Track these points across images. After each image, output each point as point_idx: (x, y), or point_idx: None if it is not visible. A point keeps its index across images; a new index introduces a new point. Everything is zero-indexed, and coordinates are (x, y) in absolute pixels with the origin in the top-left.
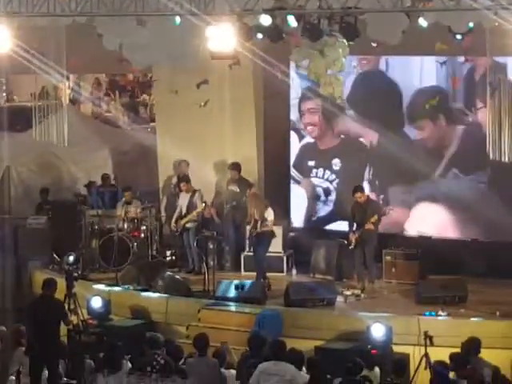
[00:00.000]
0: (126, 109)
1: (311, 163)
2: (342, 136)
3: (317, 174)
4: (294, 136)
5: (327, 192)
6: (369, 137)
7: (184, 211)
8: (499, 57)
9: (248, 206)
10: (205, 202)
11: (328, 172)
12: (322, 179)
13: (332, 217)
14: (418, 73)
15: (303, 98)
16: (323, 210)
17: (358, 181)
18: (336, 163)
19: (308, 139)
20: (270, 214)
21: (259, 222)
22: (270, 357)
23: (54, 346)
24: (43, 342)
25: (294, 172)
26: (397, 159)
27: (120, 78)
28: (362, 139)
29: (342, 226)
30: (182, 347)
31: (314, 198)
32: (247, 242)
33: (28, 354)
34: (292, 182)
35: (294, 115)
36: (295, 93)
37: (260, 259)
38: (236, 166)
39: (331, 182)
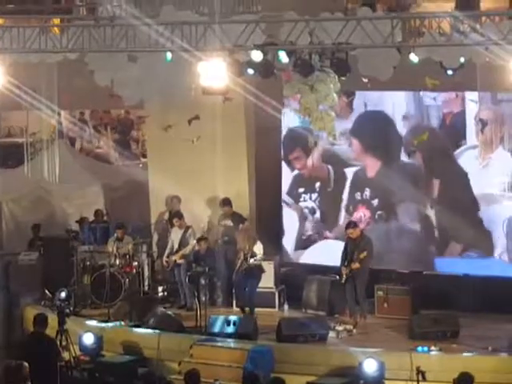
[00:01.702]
0: (118, 145)
1: (300, 190)
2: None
3: (304, 198)
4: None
5: (312, 211)
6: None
7: (176, 247)
8: (490, 92)
9: (238, 241)
10: (202, 238)
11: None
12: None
13: (319, 231)
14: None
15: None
16: (311, 228)
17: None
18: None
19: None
20: (259, 249)
21: (248, 257)
22: None
23: (49, 382)
24: (37, 380)
25: (287, 198)
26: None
27: (111, 114)
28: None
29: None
30: (173, 383)
31: (303, 219)
32: (234, 276)
33: None
34: (285, 206)
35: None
36: (287, 128)
37: (250, 294)
38: (228, 202)
39: (314, 201)
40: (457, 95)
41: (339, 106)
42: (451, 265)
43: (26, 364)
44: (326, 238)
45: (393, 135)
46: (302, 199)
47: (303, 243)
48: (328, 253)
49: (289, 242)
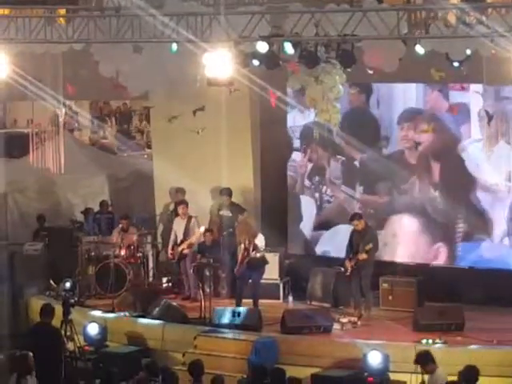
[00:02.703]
0: (123, 135)
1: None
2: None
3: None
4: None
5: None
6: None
7: (180, 237)
8: (496, 84)
9: (237, 233)
10: (207, 230)
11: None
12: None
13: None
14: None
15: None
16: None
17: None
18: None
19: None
20: (260, 241)
21: (250, 249)
22: None
23: (53, 373)
24: (41, 370)
25: (307, 183)
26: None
27: (116, 105)
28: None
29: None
30: (177, 374)
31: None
32: (236, 268)
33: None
34: (303, 194)
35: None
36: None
37: (254, 286)
38: (228, 191)
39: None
40: (462, 87)
41: (356, 100)
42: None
43: (31, 354)
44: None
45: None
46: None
47: (321, 226)
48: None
49: (306, 225)
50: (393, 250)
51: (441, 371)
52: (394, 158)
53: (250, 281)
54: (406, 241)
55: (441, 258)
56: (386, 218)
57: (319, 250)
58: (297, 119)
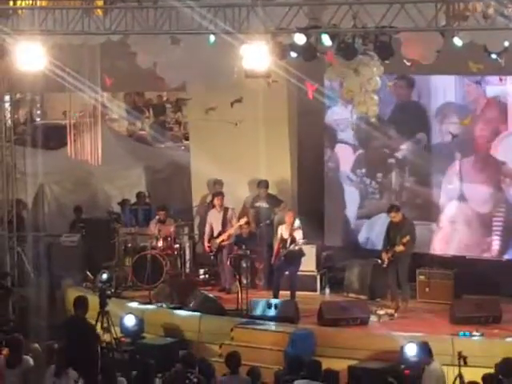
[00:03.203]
0: (160, 127)
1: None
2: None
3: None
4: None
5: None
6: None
7: (218, 229)
8: None
9: (275, 225)
10: (247, 221)
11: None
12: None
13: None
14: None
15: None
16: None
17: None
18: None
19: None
20: (299, 234)
21: (289, 241)
22: (305, 376)
23: (88, 365)
24: (77, 362)
25: (351, 175)
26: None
27: (154, 96)
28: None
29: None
30: (214, 366)
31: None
32: (273, 260)
33: (58, 376)
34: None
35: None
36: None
37: (292, 279)
38: (265, 183)
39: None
40: (501, 79)
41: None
42: None
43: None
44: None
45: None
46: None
47: (364, 216)
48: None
49: (350, 214)
50: (440, 242)
51: (436, 364)
52: (435, 150)
53: (287, 273)
54: (455, 232)
55: (492, 250)
56: (432, 210)
57: (362, 237)
58: (341, 112)
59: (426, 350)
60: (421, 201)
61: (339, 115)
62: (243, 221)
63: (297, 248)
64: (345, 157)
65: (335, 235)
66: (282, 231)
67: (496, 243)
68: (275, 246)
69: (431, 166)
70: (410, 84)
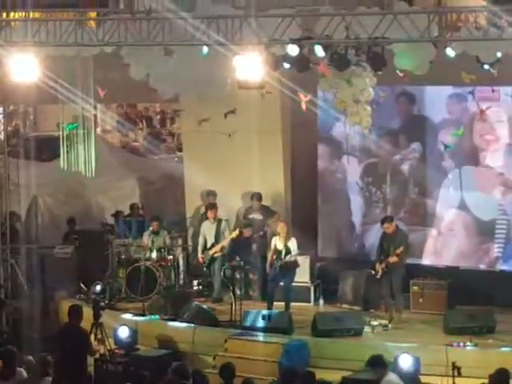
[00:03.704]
0: (153, 138)
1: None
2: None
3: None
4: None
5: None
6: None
7: (211, 241)
8: None
9: (269, 234)
10: (240, 231)
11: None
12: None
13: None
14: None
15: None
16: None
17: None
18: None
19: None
20: (293, 244)
21: (283, 252)
22: None
23: (81, 375)
24: (70, 372)
25: (360, 182)
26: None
27: (147, 108)
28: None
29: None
30: (208, 377)
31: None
32: (268, 270)
33: None
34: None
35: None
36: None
37: (287, 290)
38: (258, 196)
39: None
40: (493, 90)
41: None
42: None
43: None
44: None
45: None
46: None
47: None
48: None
49: (355, 221)
50: (438, 252)
51: (392, 377)
52: (431, 160)
53: (282, 284)
54: (453, 241)
55: (492, 259)
56: (432, 219)
57: (368, 243)
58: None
59: (380, 362)
60: (422, 210)
61: (346, 128)
62: (235, 233)
63: (292, 259)
64: (352, 167)
65: (329, 246)
66: (276, 242)
67: (497, 251)
68: (269, 257)
69: (429, 176)
70: (412, 99)
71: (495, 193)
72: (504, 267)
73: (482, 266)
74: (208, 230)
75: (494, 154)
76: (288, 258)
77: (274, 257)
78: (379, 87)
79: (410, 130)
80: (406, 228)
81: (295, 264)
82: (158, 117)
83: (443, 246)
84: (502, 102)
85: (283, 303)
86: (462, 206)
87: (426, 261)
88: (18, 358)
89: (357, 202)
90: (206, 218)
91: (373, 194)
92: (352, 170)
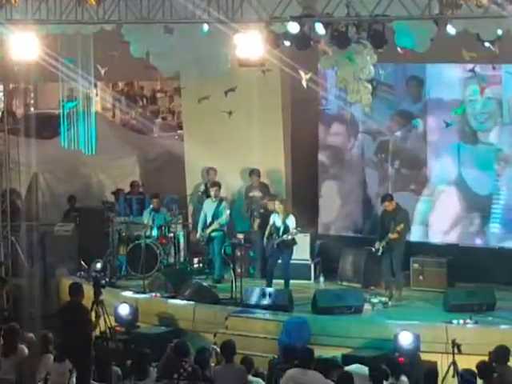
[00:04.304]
0: (154, 116)
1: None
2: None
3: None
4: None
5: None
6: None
7: (209, 220)
8: None
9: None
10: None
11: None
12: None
13: None
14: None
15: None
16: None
17: None
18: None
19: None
20: (292, 222)
21: (281, 230)
22: (299, 364)
23: (84, 353)
24: (73, 349)
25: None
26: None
27: (148, 85)
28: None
29: None
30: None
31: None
32: (265, 244)
33: (58, 362)
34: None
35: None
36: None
37: (285, 267)
38: (257, 172)
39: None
40: (494, 68)
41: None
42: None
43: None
44: None
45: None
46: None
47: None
48: None
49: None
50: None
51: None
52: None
53: (280, 261)
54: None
55: (490, 236)
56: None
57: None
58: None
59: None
60: (416, 186)
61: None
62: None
63: (290, 237)
64: (366, 144)
65: (330, 224)
66: (275, 219)
67: (493, 227)
68: (266, 232)
69: (428, 152)
70: (421, 83)
71: (493, 169)
72: (503, 244)
73: (479, 242)
74: (208, 208)
75: (492, 131)
76: (286, 236)
77: (273, 233)
78: (380, 65)
79: (416, 109)
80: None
81: (293, 242)
82: (159, 95)
83: (440, 220)
84: (503, 79)
85: (283, 281)
86: (460, 182)
87: (428, 234)
88: (20, 335)
89: (371, 175)
90: (208, 196)
91: (386, 170)
92: (366, 146)
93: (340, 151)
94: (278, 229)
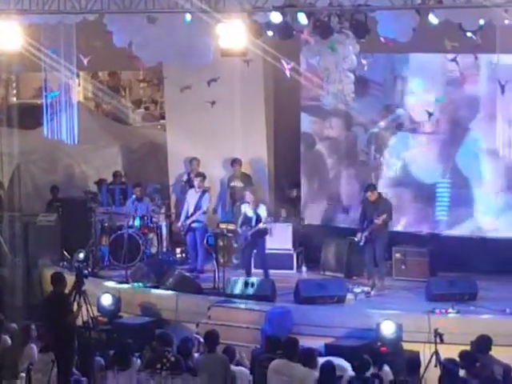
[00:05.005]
0: (136, 106)
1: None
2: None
3: None
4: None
5: None
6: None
7: (191, 210)
8: (509, 54)
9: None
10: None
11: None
12: None
13: None
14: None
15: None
16: None
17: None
18: None
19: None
20: (263, 211)
21: (253, 220)
22: (282, 355)
23: (66, 342)
24: (55, 339)
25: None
26: None
27: (130, 75)
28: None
29: None
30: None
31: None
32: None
33: (44, 353)
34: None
35: None
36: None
37: (262, 256)
38: (238, 161)
39: None
40: (476, 57)
41: None
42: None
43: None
44: None
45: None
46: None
47: None
48: None
49: None
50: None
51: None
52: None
53: (255, 251)
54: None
55: (439, 224)
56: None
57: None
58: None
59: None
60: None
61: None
62: (207, 206)
63: (262, 226)
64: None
65: (313, 213)
66: (246, 209)
67: (440, 215)
68: (238, 224)
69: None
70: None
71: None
72: (449, 231)
73: (425, 230)
74: (191, 198)
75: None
76: (261, 225)
77: (245, 224)
78: (362, 55)
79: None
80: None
81: (265, 231)
82: (141, 84)
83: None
84: (484, 68)
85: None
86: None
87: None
88: (2, 326)
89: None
90: (191, 186)
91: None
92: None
93: (336, 142)
94: (250, 219)
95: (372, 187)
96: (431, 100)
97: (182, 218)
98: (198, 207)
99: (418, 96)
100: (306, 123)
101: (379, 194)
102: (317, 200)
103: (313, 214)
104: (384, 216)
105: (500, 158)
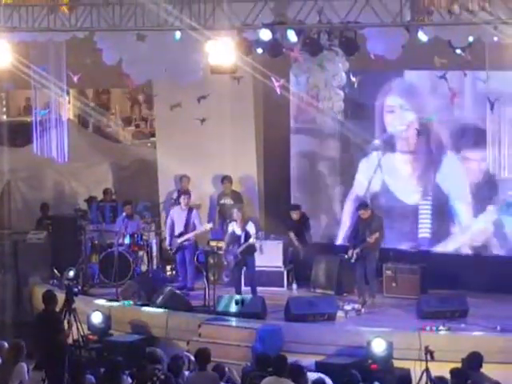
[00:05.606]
0: (126, 123)
1: None
2: None
3: None
4: None
5: None
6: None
7: (180, 229)
8: (498, 71)
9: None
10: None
11: None
12: None
13: None
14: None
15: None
16: None
17: None
18: None
19: None
20: (251, 228)
21: (242, 238)
22: (272, 372)
23: (56, 360)
24: (46, 357)
25: None
26: None
27: (120, 93)
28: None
29: None
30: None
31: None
32: (228, 257)
33: (34, 371)
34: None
35: None
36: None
37: (252, 274)
38: (229, 179)
39: None
40: (465, 74)
41: None
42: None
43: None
44: None
45: None
46: None
47: None
48: None
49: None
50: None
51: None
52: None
53: (245, 269)
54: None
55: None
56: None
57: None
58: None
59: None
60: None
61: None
62: (209, 226)
63: (252, 241)
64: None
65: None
66: (234, 228)
67: (425, 232)
68: (224, 244)
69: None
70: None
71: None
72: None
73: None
74: (178, 216)
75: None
76: (251, 240)
77: (233, 243)
78: (352, 72)
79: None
80: None
81: (253, 248)
82: (131, 102)
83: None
84: (474, 85)
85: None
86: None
87: None
88: None
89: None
90: (178, 204)
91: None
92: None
93: (333, 162)
94: (238, 237)
95: (364, 205)
96: (422, 118)
97: (167, 234)
98: (188, 226)
99: (408, 114)
100: (302, 144)
101: (372, 211)
102: (315, 218)
103: (313, 233)
104: (377, 234)
105: (489, 175)
